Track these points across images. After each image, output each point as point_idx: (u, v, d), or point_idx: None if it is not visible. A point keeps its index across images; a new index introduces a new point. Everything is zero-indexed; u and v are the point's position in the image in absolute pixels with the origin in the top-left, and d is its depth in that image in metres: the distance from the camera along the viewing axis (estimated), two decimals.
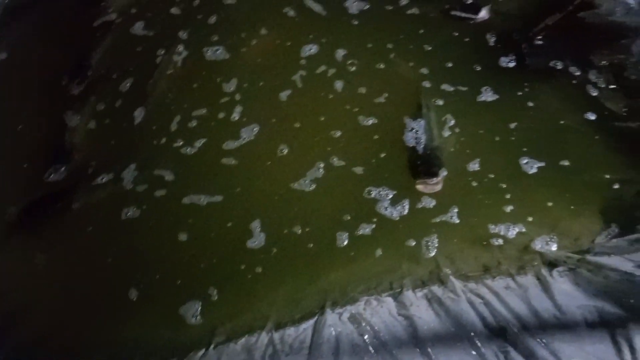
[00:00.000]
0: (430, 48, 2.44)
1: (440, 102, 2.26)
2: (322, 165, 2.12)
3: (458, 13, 2.52)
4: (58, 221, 2.12)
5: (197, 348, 1.75)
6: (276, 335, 1.70)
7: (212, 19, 2.58)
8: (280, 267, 1.94)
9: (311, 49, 2.44)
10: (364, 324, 1.67)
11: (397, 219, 1.98)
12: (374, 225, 1.97)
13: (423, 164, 2.05)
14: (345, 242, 1.94)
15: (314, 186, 2.08)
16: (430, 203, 2.02)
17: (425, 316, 1.69)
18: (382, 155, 2.14)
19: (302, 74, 2.36)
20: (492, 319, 1.66)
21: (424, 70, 2.36)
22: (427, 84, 2.31)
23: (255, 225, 2.02)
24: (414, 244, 1.92)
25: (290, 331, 1.71)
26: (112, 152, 2.26)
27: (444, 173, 2.03)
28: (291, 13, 2.57)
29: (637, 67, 2.24)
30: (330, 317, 1.72)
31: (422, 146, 2.11)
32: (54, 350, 1.87)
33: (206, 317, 1.87)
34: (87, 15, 2.64)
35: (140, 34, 2.57)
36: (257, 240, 1.99)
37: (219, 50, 2.47)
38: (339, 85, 2.32)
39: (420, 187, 2.02)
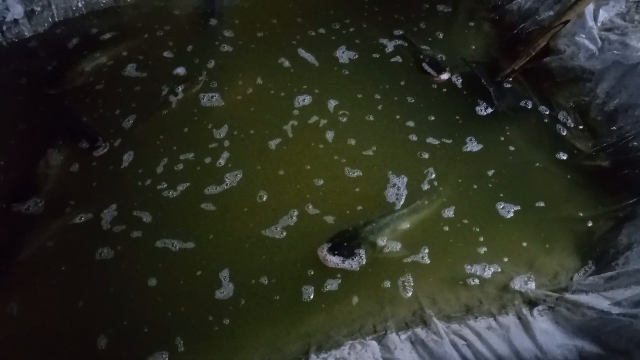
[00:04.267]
0: (413, 100, 2.54)
1: (426, 156, 2.33)
2: (296, 213, 2.15)
3: (426, 67, 2.66)
4: (30, 262, 2.09)
5: None
6: None
7: (210, 64, 2.65)
8: (251, 318, 1.92)
9: (304, 100, 2.51)
10: None
11: (357, 269, 2.00)
12: (339, 276, 1.98)
13: (340, 239, 2.04)
14: (312, 295, 1.94)
15: (284, 234, 2.10)
16: (397, 246, 2.06)
17: None
18: (359, 208, 2.16)
19: (294, 124, 2.42)
20: None
21: (410, 123, 2.45)
22: (413, 137, 2.39)
23: (224, 274, 2.02)
24: (389, 284, 1.95)
25: None
26: (93, 192, 2.25)
27: (343, 261, 1.99)
28: (286, 63, 2.65)
29: (602, 108, 2.37)
30: None
31: (366, 226, 2.08)
32: None
33: None
34: (73, 62, 2.68)
35: (134, 76, 2.61)
36: (226, 290, 1.99)
37: (215, 97, 2.51)
38: (330, 135, 2.38)
39: (319, 252, 2.01)
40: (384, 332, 1.78)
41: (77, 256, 2.10)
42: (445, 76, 2.60)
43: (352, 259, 2.00)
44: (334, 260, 1.98)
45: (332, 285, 1.96)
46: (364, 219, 2.10)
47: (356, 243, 2.03)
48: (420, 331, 1.76)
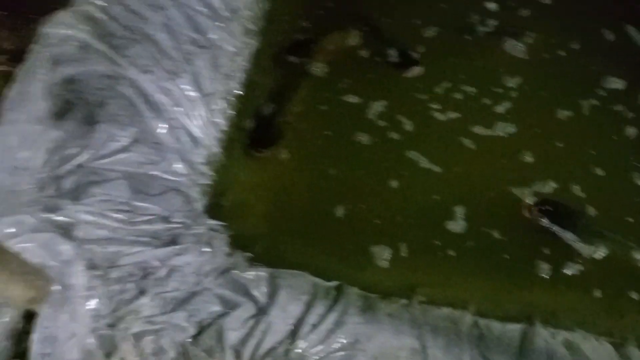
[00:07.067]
0: None
1: None
2: (555, 185, 2.06)
3: None
4: (304, 117, 2.33)
5: (397, 295, 1.79)
6: (482, 322, 1.70)
7: (526, 12, 2.54)
8: (475, 262, 1.94)
9: (616, 82, 2.31)
10: (580, 357, 1.61)
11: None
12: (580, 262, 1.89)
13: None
14: (544, 268, 1.89)
15: (534, 199, 2.02)
16: None
17: None
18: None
19: (594, 103, 2.26)
20: None
21: None
22: None
23: (460, 210, 2.04)
24: (636, 297, 1.83)
25: (496, 325, 1.69)
26: (370, 82, 2.39)
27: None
28: (610, 36, 2.46)
29: None
30: (542, 331, 1.67)
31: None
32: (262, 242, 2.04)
33: (395, 267, 1.93)
34: None
35: None
36: (457, 225, 2.01)
37: (519, 47, 2.43)
38: (631, 131, 2.19)
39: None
40: (620, 341, 1.68)
41: (340, 128, 2.28)
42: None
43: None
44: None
45: (569, 267, 1.89)
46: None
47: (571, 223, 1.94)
48: None
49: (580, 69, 2.36)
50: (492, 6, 2.56)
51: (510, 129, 2.21)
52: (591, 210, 2.00)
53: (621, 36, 2.44)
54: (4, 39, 2.79)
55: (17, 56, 2.69)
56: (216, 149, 2.25)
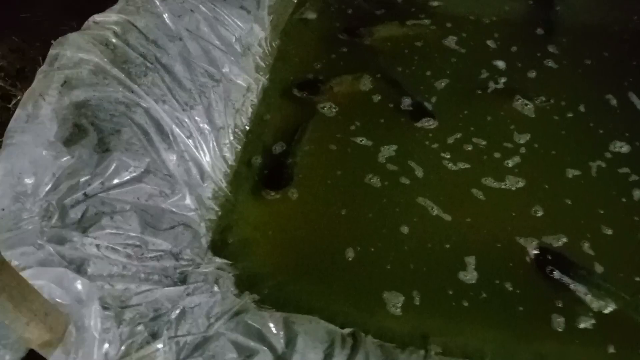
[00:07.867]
0: None
1: None
2: (564, 239, 2.07)
3: None
4: (314, 156, 2.35)
5: (411, 344, 1.73)
6: None
7: (532, 74, 2.65)
8: (488, 314, 1.92)
9: (622, 147, 2.38)
10: None
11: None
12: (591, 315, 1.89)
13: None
14: (559, 322, 1.87)
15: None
16: None
17: None
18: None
19: (600, 165, 2.31)
20: None
21: None
22: None
23: (471, 260, 2.04)
24: None
25: None
26: (379, 126, 2.44)
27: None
28: (613, 102, 2.54)
29: None
30: None
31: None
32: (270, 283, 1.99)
33: (408, 315, 1.89)
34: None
35: (453, 48, 2.74)
36: (469, 275, 2.00)
37: (528, 106, 2.50)
38: (637, 193, 2.24)
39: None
40: None
41: (351, 169, 2.30)
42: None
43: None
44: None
45: (581, 321, 1.88)
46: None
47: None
48: None
49: (587, 131, 2.45)
50: (500, 64, 2.68)
51: (520, 183, 2.25)
52: (599, 268, 2.03)
53: (624, 102, 2.55)
54: (2, 57, 2.71)
55: (16, 75, 2.65)
56: (223, 183, 2.22)
